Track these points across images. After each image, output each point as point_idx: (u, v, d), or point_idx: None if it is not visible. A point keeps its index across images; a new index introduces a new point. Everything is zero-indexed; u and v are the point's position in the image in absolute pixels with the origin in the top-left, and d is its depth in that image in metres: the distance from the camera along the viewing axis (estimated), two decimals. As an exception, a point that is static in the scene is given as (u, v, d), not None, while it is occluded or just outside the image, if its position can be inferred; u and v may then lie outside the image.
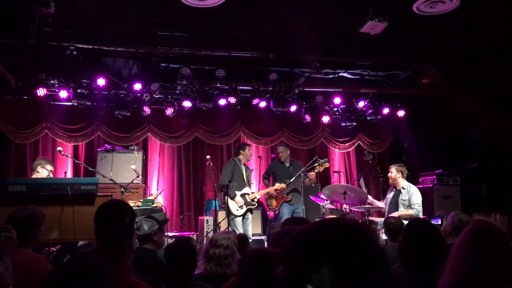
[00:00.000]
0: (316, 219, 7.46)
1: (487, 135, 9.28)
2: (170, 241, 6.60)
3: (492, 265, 1.71)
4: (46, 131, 8.23)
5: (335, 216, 6.68)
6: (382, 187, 8.15)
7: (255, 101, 8.51)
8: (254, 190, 8.03)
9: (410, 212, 6.64)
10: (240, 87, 8.47)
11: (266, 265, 1.64)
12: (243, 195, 7.36)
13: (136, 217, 4.59)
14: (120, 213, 2.43)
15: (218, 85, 8.17)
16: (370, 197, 7.23)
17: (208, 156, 7.52)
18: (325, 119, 9.27)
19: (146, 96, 8.11)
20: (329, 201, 7.37)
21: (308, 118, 9.06)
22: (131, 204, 5.79)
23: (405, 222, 3.82)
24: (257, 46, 7.28)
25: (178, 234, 7.61)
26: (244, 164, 7.66)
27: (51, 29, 6.15)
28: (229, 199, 7.21)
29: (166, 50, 7.30)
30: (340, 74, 8.60)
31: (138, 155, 8.15)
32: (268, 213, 8.19)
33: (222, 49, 7.34)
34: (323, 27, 6.60)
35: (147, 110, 8.31)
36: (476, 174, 9.04)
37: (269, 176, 8.23)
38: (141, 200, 6.95)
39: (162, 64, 7.89)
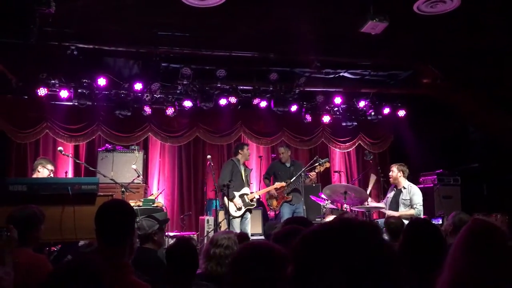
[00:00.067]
0: (317, 219, 7.49)
1: (488, 135, 9.28)
2: (170, 240, 6.61)
3: (490, 264, 1.71)
4: (47, 131, 8.23)
5: (344, 216, 6.69)
6: (382, 186, 8.15)
7: (255, 101, 8.51)
8: (254, 190, 8.04)
9: (411, 212, 6.64)
10: (241, 87, 8.47)
11: (265, 264, 1.61)
12: (242, 196, 7.36)
13: (137, 216, 4.60)
14: (120, 213, 2.43)
15: (219, 85, 8.18)
16: (370, 199, 7.23)
17: (208, 156, 7.52)
18: (326, 119, 9.27)
19: (147, 96, 8.11)
20: (330, 201, 7.37)
21: (308, 118, 9.05)
22: (132, 204, 5.79)
23: (406, 222, 3.82)
24: (257, 46, 7.28)
25: (178, 234, 7.62)
26: (243, 164, 7.66)
27: (51, 29, 6.15)
28: (227, 200, 7.20)
29: (167, 50, 7.30)
30: (341, 74, 8.60)
31: (138, 155, 8.16)
32: (268, 213, 8.19)
33: (222, 49, 7.35)
34: (323, 27, 6.59)
35: (147, 110, 8.31)
36: (476, 174, 9.04)
37: (270, 176, 8.23)
38: (142, 200, 6.96)
39: (163, 64, 7.89)
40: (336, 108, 9.30)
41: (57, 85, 7.71)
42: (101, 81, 7.68)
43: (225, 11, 5.80)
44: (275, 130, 9.39)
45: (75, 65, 7.35)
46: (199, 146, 9.35)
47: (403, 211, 6.72)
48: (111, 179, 6.70)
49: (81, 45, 6.85)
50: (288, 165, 8.05)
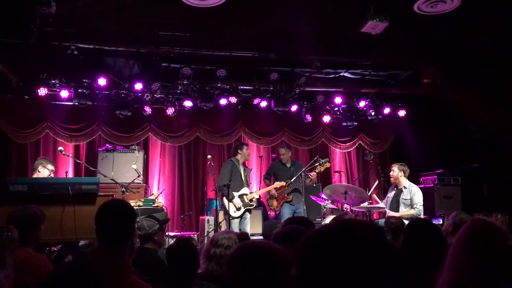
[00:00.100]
0: (317, 219, 7.49)
1: (488, 135, 9.28)
2: (171, 240, 6.61)
3: (490, 263, 1.71)
4: (47, 130, 8.23)
5: (347, 217, 6.70)
6: (383, 186, 8.15)
7: (256, 101, 8.51)
8: (254, 190, 8.04)
9: (412, 212, 6.65)
10: (241, 87, 8.47)
11: (265, 264, 1.61)
12: (241, 196, 7.35)
13: (137, 216, 4.59)
14: (121, 213, 2.43)
15: (219, 85, 8.18)
16: (374, 196, 7.26)
17: (209, 156, 7.53)
18: (326, 119, 9.26)
19: (147, 96, 8.11)
20: (330, 201, 7.37)
21: (309, 118, 9.05)
22: (132, 204, 5.79)
23: (406, 222, 3.83)
24: (258, 46, 7.28)
25: (179, 234, 7.62)
26: (243, 164, 7.66)
27: (52, 29, 6.15)
28: (226, 200, 7.20)
29: (167, 50, 7.30)
30: (341, 74, 8.60)
31: (139, 155, 8.16)
32: (269, 213, 8.19)
33: (223, 49, 7.35)
34: (323, 27, 6.59)
35: (148, 109, 8.31)
36: (477, 174, 9.04)
37: (270, 177, 8.22)
38: (142, 200, 6.96)
39: (163, 64, 7.89)
40: (336, 108, 9.29)
41: (58, 85, 7.71)
42: (102, 81, 7.68)
43: (226, 11, 5.80)
44: (276, 130, 9.39)
45: (75, 65, 7.35)
46: (199, 146, 9.36)
47: (403, 211, 6.72)
48: (112, 179, 6.69)
49: (81, 45, 6.85)
50: (288, 165, 8.04)
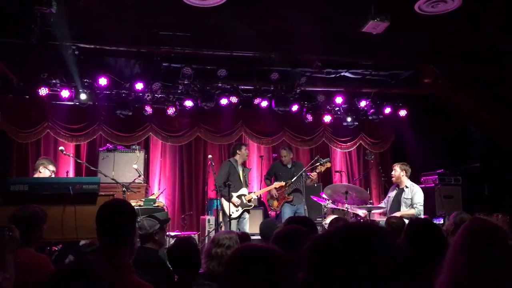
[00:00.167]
0: (318, 219, 7.49)
1: (489, 135, 9.27)
2: (171, 240, 6.61)
3: (489, 263, 1.71)
4: (48, 130, 8.23)
5: (358, 220, 6.71)
6: (383, 186, 8.15)
7: (256, 101, 8.51)
8: (253, 190, 8.03)
9: (412, 211, 6.65)
10: (242, 87, 8.47)
11: (264, 266, 1.60)
12: (239, 197, 7.34)
13: (138, 216, 4.59)
14: (121, 213, 2.44)
15: (220, 85, 8.17)
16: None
17: (209, 156, 7.52)
18: (327, 118, 9.26)
19: (148, 96, 8.11)
20: (331, 201, 7.37)
21: (309, 117, 9.04)
22: (133, 204, 5.79)
23: (407, 221, 3.82)
24: (258, 46, 7.26)
25: (179, 233, 7.62)
26: (242, 164, 7.65)
27: (52, 29, 6.15)
28: (224, 200, 7.20)
29: (168, 50, 7.30)
30: (342, 74, 8.60)
31: (139, 155, 8.17)
32: (269, 212, 8.19)
33: (223, 49, 7.35)
34: (324, 27, 6.59)
35: (148, 109, 8.32)
36: (477, 174, 9.04)
37: (271, 177, 8.22)
38: (143, 200, 6.96)
39: (164, 64, 7.90)
40: (337, 108, 9.29)
41: (58, 84, 7.71)
42: (102, 81, 7.69)
43: (226, 11, 5.80)
44: (276, 130, 9.39)
45: (76, 65, 7.36)
46: (200, 146, 9.36)
47: (404, 210, 6.72)
48: (112, 179, 6.70)
49: (82, 45, 6.86)
50: (289, 166, 8.04)
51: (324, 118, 9.26)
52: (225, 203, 7.19)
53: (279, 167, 8.13)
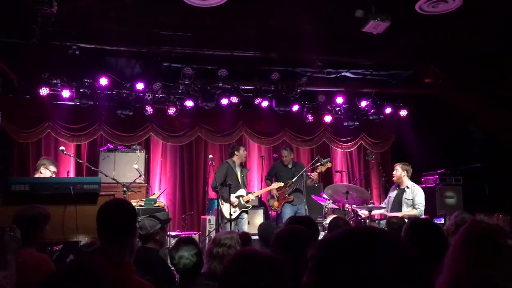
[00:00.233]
0: (319, 219, 7.49)
1: (489, 135, 9.27)
2: (172, 240, 6.62)
3: (490, 263, 1.71)
4: (49, 130, 8.24)
5: (359, 221, 6.72)
6: (384, 186, 8.15)
7: (257, 101, 8.51)
8: (254, 190, 8.03)
9: (414, 212, 6.64)
10: (242, 87, 8.47)
11: (266, 272, 1.60)
12: (237, 197, 7.34)
13: (139, 216, 4.60)
14: (122, 213, 2.44)
15: (220, 85, 8.18)
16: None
17: (210, 156, 7.53)
18: (327, 118, 9.26)
19: (149, 96, 8.12)
20: (332, 201, 7.37)
21: (310, 117, 9.04)
22: (134, 204, 5.79)
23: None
24: (259, 46, 7.28)
25: (180, 233, 7.62)
26: (240, 165, 7.65)
27: (53, 29, 6.15)
28: (222, 202, 7.20)
29: (169, 50, 7.30)
30: (342, 74, 8.59)
31: (140, 155, 8.18)
32: (270, 213, 8.20)
33: (224, 49, 7.35)
34: (325, 26, 6.59)
35: (149, 109, 8.32)
36: (478, 174, 9.04)
37: (271, 177, 8.21)
38: (144, 200, 6.96)
39: (165, 64, 7.90)
40: (337, 108, 9.29)
41: (59, 84, 7.71)
42: (103, 81, 7.70)
43: (227, 10, 5.81)
44: (277, 130, 9.39)
45: (77, 64, 7.36)
46: (200, 146, 9.36)
47: (405, 211, 6.71)
48: (113, 179, 6.70)
49: (83, 45, 6.85)
50: (290, 166, 8.04)
51: (324, 118, 9.26)
52: (222, 205, 7.20)
53: (279, 167, 8.13)
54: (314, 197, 7.79)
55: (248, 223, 7.61)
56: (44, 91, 7.54)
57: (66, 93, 7.72)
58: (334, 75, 8.61)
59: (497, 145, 8.99)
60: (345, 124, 9.35)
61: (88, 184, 4.77)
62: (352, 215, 7.10)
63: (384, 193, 8.42)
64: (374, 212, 7.07)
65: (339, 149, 9.94)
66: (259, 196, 8.38)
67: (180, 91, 8.28)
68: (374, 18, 5.64)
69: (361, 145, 9.92)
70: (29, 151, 8.33)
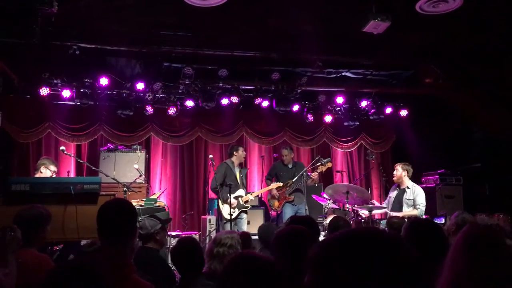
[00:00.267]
0: (319, 219, 7.49)
1: (490, 135, 9.27)
2: (172, 240, 6.62)
3: (490, 263, 1.71)
4: (49, 130, 8.24)
5: (360, 222, 6.72)
6: (384, 186, 8.15)
7: (257, 101, 8.51)
8: (255, 190, 8.03)
9: (415, 212, 6.65)
10: (243, 87, 8.47)
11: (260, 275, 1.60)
12: (236, 198, 7.33)
13: (139, 216, 4.60)
14: (122, 212, 2.44)
15: (221, 85, 8.18)
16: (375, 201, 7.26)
17: (210, 156, 7.53)
18: (328, 118, 9.26)
19: (149, 96, 8.12)
20: (332, 201, 7.37)
21: (310, 117, 9.04)
22: (134, 203, 5.79)
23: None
24: (259, 46, 7.27)
25: (180, 233, 7.62)
26: (239, 165, 7.64)
27: (54, 29, 6.15)
28: (221, 202, 7.20)
29: (169, 50, 7.30)
30: (343, 74, 8.59)
31: (140, 155, 8.18)
32: (270, 212, 8.20)
33: (224, 49, 7.35)
34: (325, 26, 6.59)
35: (149, 109, 8.32)
36: (479, 174, 9.03)
37: (272, 177, 8.22)
38: (144, 199, 6.97)
39: (165, 64, 7.90)
40: (338, 108, 9.28)
41: (59, 84, 7.72)
42: (103, 81, 7.70)
43: (227, 10, 5.80)
44: (277, 130, 9.39)
45: (77, 64, 7.36)
46: (201, 146, 9.37)
47: (406, 211, 6.72)
48: (113, 179, 6.71)
49: (83, 45, 6.85)
50: (290, 166, 8.04)
51: (325, 118, 9.26)
52: (221, 206, 7.20)
53: (280, 167, 8.13)
54: (314, 197, 7.80)
55: (248, 223, 7.60)
56: (44, 91, 7.54)
57: (66, 93, 7.72)
58: (334, 75, 8.61)
59: (497, 145, 8.98)
60: (346, 124, 9.35)
61: (88, 184, 4.77)
62: (353, 215, 7.10)
63: (385, 193, 8.42)
64: (374, 212, 7.07)
65: (340, 149, 9.94)
66: (259, 196, 8.38)
67: (180, 91, 8.28)
68: (375, 18, 5.64)
69: (362, 145, 9.91)
70: (29, 151, 8.33)
